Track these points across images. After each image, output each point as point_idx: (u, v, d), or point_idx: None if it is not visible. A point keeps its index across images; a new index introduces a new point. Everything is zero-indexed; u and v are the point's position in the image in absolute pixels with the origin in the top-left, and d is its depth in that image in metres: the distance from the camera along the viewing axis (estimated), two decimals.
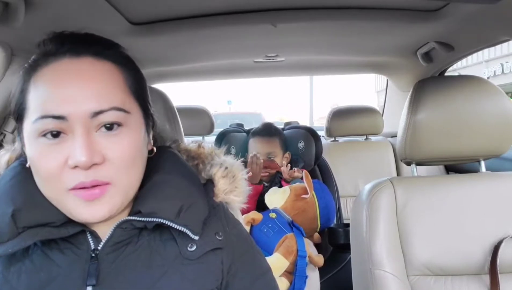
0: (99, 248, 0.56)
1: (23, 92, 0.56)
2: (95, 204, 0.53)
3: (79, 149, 0.51)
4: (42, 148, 0.53)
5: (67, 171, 0.52)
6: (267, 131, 1.82)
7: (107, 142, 0.53)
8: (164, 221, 0.57)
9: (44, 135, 0.52)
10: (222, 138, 1.97)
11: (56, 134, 0.52)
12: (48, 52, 0.56)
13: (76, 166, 0.51)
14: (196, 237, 0.58)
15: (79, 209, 0.53)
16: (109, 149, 0.53)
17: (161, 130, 0.69)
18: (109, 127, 0.54)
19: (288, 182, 1.66)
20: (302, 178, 1.57)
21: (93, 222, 0.55)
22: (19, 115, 0.56)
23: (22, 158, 0.61)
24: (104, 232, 0.57)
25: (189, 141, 0.74)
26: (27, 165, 0.57)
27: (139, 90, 0.60)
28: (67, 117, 0.52)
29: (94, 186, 0.52)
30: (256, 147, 1.78)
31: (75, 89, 0.53)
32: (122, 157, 0.54)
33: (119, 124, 0.55)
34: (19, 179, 0.57)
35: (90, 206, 0.53)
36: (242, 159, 0.72)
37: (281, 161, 1.77)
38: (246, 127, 2.10)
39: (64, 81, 0.53)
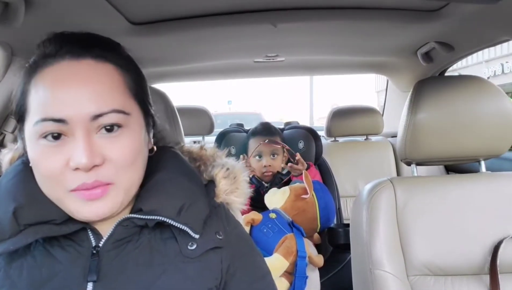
0: (100, 245, 0.57)
1: (23, 93, 0.56)
2: (96, 203, 0.54)
3: (80, 152, 0.51)
4: (43, 149, 0.53)
5: (68, 172, 0.53)
6: (269, 130, 1.81)
7: (107, 143, 0.54)
8: (165, 219, 0.58)
9: (45, 137, 0.53)
10: (222, 138, 1.96)
11: (57, 136, 0.53)
12: (48, 54, 0.56)
13: (77, 168, 0.52)
14: (197, 236, 0.59)
15: (80, 208, 0.54)
16: (110, 150, 0.54)
17: (161, 129, 0.69)
18: (109, 129, 0.54)
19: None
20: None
21: (95, 220, 0.56)
22: (20, 116, 0.57)
23: (24, 157, 0.62)
24: (105, 229, 0.58)
25: (189, 141, 0.75)
26: (30, 165, 0.57)
27: (140, 91, 0.61)
28: (67, 120, 0.52)
29: (95, 187, 0.53)
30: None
31: (75, 92, 0.53)
32: (123, 157, 0.55)
33: (119, 126, 0.55)
34: (21, 177, 0.58)
35: (91, 205, 0.54)
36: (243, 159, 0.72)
37: (282, 159, 1.77)
38: (246, 127, 2.10)
39: (64, 83, 0.53)
